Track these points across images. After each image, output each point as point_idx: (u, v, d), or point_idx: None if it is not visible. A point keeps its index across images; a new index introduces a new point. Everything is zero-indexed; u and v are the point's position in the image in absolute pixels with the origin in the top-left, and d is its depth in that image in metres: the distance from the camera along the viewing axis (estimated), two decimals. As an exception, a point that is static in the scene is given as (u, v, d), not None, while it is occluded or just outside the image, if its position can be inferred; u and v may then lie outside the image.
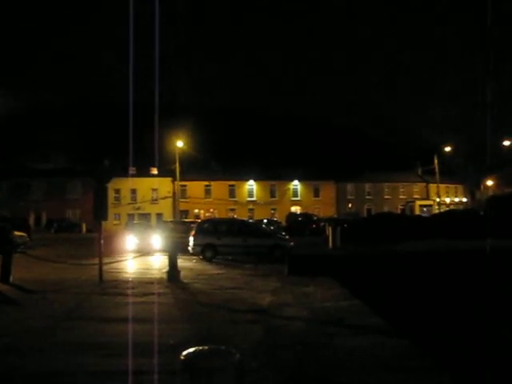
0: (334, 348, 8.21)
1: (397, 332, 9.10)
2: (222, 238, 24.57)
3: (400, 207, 79.37)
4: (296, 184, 78.61)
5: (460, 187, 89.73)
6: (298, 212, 68.91)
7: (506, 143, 65.31)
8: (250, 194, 77.41)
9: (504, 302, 12.34)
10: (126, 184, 69.29)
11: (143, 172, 71.53)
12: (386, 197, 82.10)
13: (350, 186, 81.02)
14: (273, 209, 75.92)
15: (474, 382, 7.17)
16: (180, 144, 57.76)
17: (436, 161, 71.27)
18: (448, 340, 9.08)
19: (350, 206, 79.51)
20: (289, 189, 78.57)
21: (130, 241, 30.54)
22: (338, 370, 7.10)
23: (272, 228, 37.47)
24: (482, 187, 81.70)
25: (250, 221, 42.70)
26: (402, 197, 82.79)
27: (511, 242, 25.55)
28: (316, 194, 79.39)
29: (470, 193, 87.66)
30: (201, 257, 24.65)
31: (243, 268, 21.32)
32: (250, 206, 76.16)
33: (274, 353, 7.97)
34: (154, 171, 72.69)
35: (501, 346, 8.73)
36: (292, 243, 25.71)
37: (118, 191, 69.31)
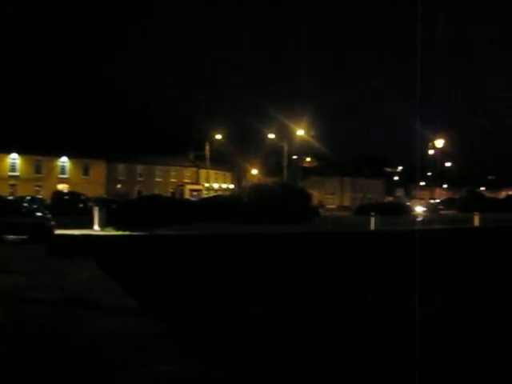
0: (84, 330, 7.93)
1: (150, 313, 9.12)
2: (-26, 215, 22.39)
3: (170, 190, 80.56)
4: (64, 161, 75.04)
5: (228, 174, 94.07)
6: (65, 190, 65.94)
7: (271, 136, 69.88)
8: (13, 169, 71.93)
9: (264, 284, 13.09)
10: None
11: None
12: (158, 179, 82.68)
13: (121, 167, 79.84)
14: (38, 186, 71.45)
15: (221, 362, 7.41)
16: None
17: (207, 147, 73.69)
18: (201, 321, 9.31)
19: (119, 186, 78.35)
20: (56, 165, 74.71)
21: None
22: (85, 351, 6.86)
23: (35, 206, 35.23)
24: (247, 175, 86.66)
25: (10, 197, 39.73)
26: (173, 180, 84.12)
27: (270, 228, 27.50)
28: (85, 172, 76.74)
29: (237, 180, 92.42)
30: None
31: (-4, 248, 19.68)
32: (12, 182, 70.79)
33: (15, 338, 7.43)
34: None
35: (253, 327, 9.19)
36: (54, 223, 24.45)
37: None
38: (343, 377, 6.30)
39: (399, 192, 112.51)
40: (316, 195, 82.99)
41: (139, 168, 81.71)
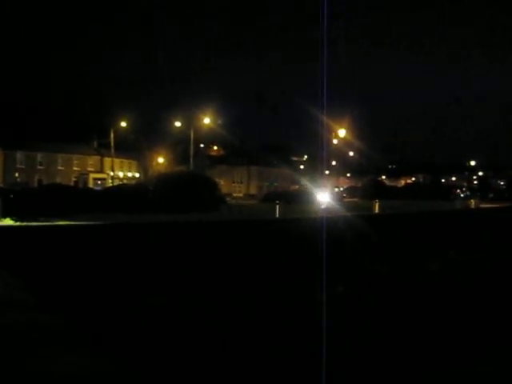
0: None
1: (46, 307, 8.78)
2: None
3: (73, 179, 78.01)
4: (-45, 149, 70.79)
5: (134, 163, 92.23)
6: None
7: (178, 124, 69.11)
8: None
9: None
10: None
11: None
12: (60, 168, 79.69)
13: (19, 155, 76.27)
14: None
15: (118, 355, 7.21)
16: None
17: (112, 135, 71.83)
18: (98, 313, 9.04)
19: (17, 175, 74.78)
20: None
21: None
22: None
23: None
24: (153, 164, 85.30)
25: None
26: (76, 169, 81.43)
27: (175, 217, 27.21)
28: (-21, 161, 72.85)
29: (143, 169, 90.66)
30: None
31: None
32: None
33: None
34: None
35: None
36: None
37: None
38: (238, 368, 6.30)
39: (305, 180, 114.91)
40: (223, 184, 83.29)
41: (39, 156, 78.35)
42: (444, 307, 9.60)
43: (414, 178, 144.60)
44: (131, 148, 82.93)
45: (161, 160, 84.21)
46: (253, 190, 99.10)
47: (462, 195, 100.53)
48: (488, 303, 9.86)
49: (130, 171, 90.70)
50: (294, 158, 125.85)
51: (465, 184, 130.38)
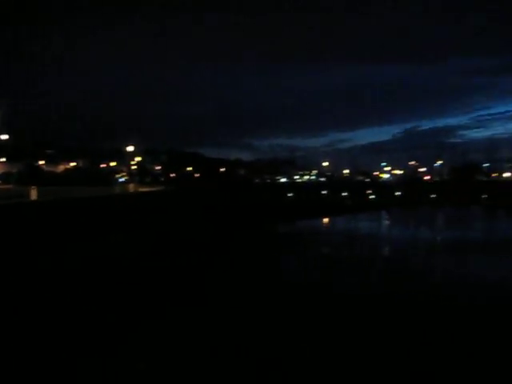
0: None
1: None
2: None
3: None
4: None
5: None
6: None
7: None
8: None
9: None
10: None
11: None
12: None
13: None
14: None
15: None
16: None
17: None
18: None
19: None
20: None
21: None
22: None
23: None
24: None
25: None
26: None
27: None
28: None
29: None
30: None
31: None
32: None
33: None
34: None
35: None
36: None
37: None
38: None
39: None
40: None
41: None
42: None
43: (73, 163, 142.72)
44: None
45: None
46: None
47: (121, 180, 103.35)
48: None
49: None
50: None
51: (124, 169, 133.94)
